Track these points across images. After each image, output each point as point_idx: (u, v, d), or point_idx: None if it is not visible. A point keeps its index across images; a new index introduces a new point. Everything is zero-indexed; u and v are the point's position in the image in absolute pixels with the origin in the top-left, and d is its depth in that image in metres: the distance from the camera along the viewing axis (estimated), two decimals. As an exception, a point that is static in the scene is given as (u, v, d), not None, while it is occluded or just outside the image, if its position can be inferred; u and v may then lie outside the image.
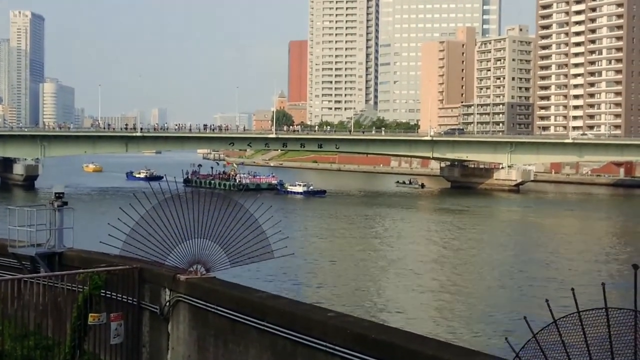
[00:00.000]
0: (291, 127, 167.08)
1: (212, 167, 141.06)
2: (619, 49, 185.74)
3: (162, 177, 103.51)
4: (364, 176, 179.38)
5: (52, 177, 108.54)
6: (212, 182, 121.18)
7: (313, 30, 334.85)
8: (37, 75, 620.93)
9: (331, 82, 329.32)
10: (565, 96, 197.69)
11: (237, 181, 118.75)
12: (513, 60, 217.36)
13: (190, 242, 13.98)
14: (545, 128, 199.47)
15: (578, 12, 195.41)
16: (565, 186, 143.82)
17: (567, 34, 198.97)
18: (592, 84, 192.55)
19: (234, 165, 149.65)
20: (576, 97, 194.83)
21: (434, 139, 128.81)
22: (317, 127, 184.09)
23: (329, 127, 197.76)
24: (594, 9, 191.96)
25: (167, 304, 14.14)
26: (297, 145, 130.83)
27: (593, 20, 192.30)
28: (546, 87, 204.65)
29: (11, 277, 15.84)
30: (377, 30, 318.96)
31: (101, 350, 14.81)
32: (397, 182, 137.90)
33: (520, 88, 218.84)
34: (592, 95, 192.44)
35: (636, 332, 6.55)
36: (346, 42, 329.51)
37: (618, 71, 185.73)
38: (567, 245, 58.26)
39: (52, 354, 14.87)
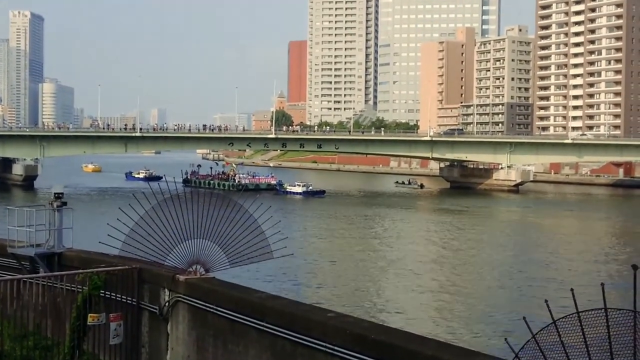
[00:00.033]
0: (290, 127, 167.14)
1: (211, 168, 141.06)
2: (618, 49, 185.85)
3: (162, 178, 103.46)
4: (364, 176, 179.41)
5: (52, 177, 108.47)
6: (212, 182, 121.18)
7: (312, 30, 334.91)
8: (36, 75, 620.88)
9: (330, 82, 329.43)
10: (565, 96, 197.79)
11: (237, 181, 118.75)
12: (512, 60, 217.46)
13: (190, 243, 13.98)
14: (544, 128, 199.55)
15: (577, 13, 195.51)
16: (564, 186, 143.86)
17: (566, 34, 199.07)
18: (591, 84, 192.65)
19: (233, 165, 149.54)
20: (575, 97, 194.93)
21: (434, 139, 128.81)
22: (316, 127, 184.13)
23: (328, 127, 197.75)
24: (593, 9, 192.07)
25: (167, 304, 14.13)
26: (297, 145, 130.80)
27: (592, 20, 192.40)
28: (546, 88, 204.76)
29: (10, 277, 15.83)
30: (376, 31, 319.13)
31: (100, 351, 14.81)
32: (397, 182, 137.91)
33: (519, 88, 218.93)
34: (591, 95, 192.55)
35: (635, 332, 6.56)
36: (346, 42, 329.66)
37: (617, 71, 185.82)
38: (566, 246, 58.26)
39: (52, 354, 14.86)
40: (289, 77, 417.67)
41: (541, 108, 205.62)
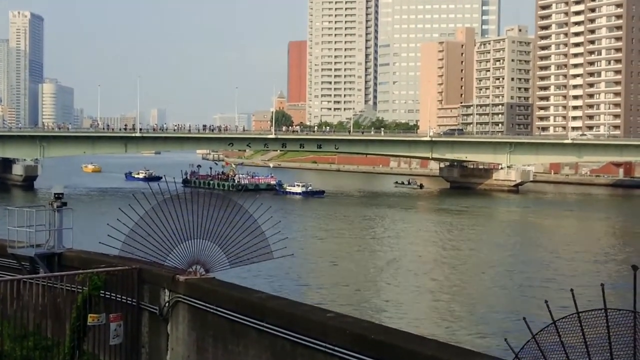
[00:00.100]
0: (290, 127, 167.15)
1: (210, 168, 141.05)
2: (618, 49, 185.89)
3: (161, 178, 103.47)
4: (363, 176, 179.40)
5: (51, 178, 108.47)
6: (211, 182, 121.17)
7: (312, 30, 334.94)
8: (36, 75, 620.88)
9: (330, 82, 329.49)
10: (565, 96, 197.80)
11: (236, 182, 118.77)
12: (512, 60, 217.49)
13: (190, 243, 13.98)
14: (544, 128, 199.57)
15: (577, 13, 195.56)
16: (564, 186, 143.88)
17: (566, 34, 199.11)
18: (591, 84, 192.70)
19: (233, 165, 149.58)
20: (575, 97, 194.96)
21: (433, 139, 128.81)
22: (316, 127, 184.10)
23: (328, 127, 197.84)
24: (593, 10, 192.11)
25: (167, 304, 14.14)
26: (297, 145, 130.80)
27: (592, 20, 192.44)
28: (545, 88, 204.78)
29: (10, 277, 15.83)
30: (376, 31, 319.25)
31: (100, 351, 14.81)
32: (396, 182, 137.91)
33: (519, 88, 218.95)
34: (591, 95, 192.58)
35: (635, 333, 6.56)
36: (345, 42, 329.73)
37: (617, 71, 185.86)
38: (566, 246, 58.26)
39: (52, 355, 14.86)
40: (288, 77, 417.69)
41: (541, 108, 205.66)
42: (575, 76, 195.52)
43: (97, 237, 15.38)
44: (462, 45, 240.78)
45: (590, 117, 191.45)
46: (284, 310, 11.57)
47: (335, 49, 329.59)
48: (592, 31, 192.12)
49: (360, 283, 40.95)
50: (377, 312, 33.14)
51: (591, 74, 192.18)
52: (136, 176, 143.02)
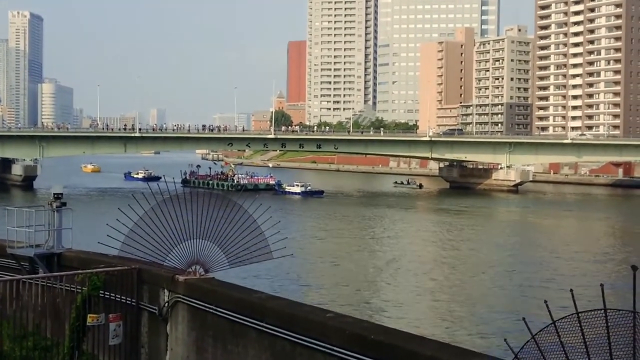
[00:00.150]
0: (290, 127, 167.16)
1: (210, 168, 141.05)
2: (617, 49, 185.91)
3: (161, 178, 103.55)
4: (363, 176, 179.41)
5: (51, 178, 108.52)
6: (210, 182, 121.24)
7: (312, 30, 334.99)
8: (35, 75, 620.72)
9: (330, 82, 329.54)
10: (564, 96, 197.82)
11: (235, 182, 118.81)
12: (512, 60, 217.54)
13: (189, 243, 13.97)
14: (544, 128, 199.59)
15: (577, 13, 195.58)
16: (563, 186, 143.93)
17: (565, 34, 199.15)
18: (590, 84, 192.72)
19: (232, 165, 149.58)
20: (575, 97, 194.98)
21: (433, 139, 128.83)
22: (315, 127, 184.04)
23: (327, 127, 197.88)
24: (592, 10, 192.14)
25: (166, 304, 14.13)
26: (296, 145, 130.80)
27: (592, 20, 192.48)
28: (545, 88, 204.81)
29: (10, 278, 15.82)
30: (375, 31, 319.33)
31: (100, 351, 14.80)
32: (395, 182, 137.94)
33: (519, 88, 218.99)
34: (590, 95, 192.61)
35: (635, 333, 6.56)
36: (345, 42, 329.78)
37: (617, 71, 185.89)
38: (565, 246, 58.28)
39: (51, 355, 14.86)
40: (288, 77, 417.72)
41: (540, 108, 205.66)
42: (574, 76, 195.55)
43: (96, 237, 15.36)
44: (462, 45, 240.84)
45: (590, 117, 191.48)
46: (283, 311, 11.57)
47: (334, 49, 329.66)
48: (592, 31, 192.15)
49: (359, 283, 40.95)
50: (376, 313, 33.14)
51: (590, 74, 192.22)
52: (135, 176, 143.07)
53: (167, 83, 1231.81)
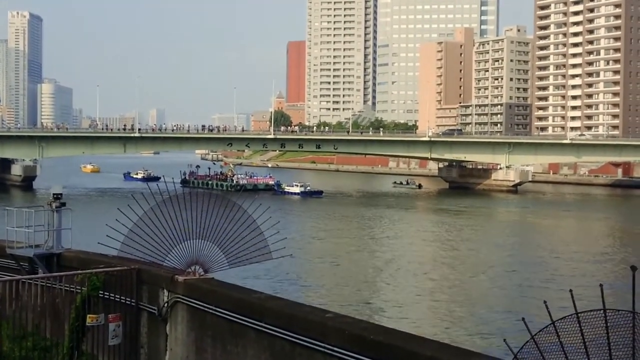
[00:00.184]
0: (289, 127, 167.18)
1: (209, 168, 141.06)
2: (616, 50, 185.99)
3: (160, 178, 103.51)
4: (362, 177, 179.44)
5: (50, 178, 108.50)
6: (209, 182, 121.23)
7: (311, 30, 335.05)
8: (35, 75, 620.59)
9: (329, 82, 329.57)
10: (563, 97, 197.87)
11: (235, 182, 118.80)
12: (511, 60, 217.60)
13: (189, 243, 13.96)
14: (543, 128, 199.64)
15: (576, 13, 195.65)
16: (563, 187, 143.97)
17: (565, 34, 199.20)
18: (590, 85, 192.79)
19: (231, 165, 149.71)
20: (574, 97, 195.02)
21: (432, 139, 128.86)
22: (315, 127, 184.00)
23: (327, 127, 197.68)
24: (591, 10, 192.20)
25: (166, 305, 14.12)
26: (295, 145, 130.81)
27: (591, 20, 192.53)
28: (544, 88, 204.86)
29: (9, 278, 15.81)
30: (375, 31, 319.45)
31: (99, 351, 14.79)
32: (394, 182, 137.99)
33: (518, 89, 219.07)
34: (590, 95, 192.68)
35: (634, 333, 6.56)
36: (344, 42, 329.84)
37: (616, 72, 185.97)
38: (565, 246, 58.29)
39: (50, 355, 14.85)
40: (287, 77, 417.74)
41: (540, 108, 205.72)
42: (574, 76, 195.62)
43: (95, 237, 15.36)
44: (461, 46, 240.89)
45: (589, 117, 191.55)
46: (282, 311, 11.57)
47: (334, 49, 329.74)
48: (591, 31, 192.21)
49: (359, 283, 40.95)
50: (376, 313, 33.14)
51: (590, 74, 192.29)
52: (135, 176, 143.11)
53: (167, 83, 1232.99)
